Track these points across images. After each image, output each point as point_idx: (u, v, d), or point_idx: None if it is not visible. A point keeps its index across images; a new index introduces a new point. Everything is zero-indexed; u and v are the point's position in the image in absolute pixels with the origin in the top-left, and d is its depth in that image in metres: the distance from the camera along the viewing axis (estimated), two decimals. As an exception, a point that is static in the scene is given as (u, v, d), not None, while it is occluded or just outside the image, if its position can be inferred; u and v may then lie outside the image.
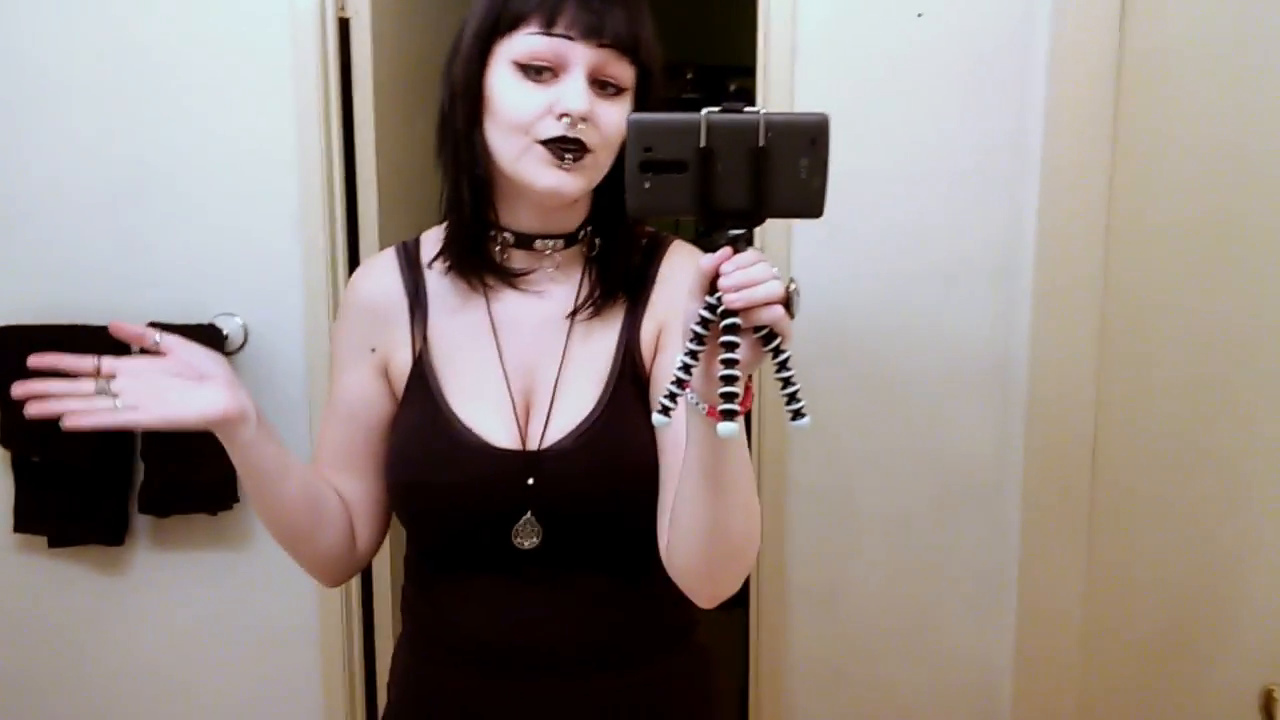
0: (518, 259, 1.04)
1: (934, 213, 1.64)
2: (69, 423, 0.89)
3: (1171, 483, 1.34)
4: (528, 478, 0.98)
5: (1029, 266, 1.63)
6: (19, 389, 0.89)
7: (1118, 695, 1.53)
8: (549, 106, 0.93)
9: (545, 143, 0.94)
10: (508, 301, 1.04)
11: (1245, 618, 1.14)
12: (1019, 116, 1.61)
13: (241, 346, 1.71)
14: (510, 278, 1.03)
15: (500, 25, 0.95)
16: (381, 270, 1.08)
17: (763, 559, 1.74)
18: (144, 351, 0.97)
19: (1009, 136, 1.62)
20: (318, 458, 1.12)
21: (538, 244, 1.03)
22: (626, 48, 0.95)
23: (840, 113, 1.61)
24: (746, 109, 0.72)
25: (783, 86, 1.63)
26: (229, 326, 1.70)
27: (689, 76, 3.03)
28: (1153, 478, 1.41)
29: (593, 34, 0.93)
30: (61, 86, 1.67)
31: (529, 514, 0.99)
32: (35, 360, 0.91)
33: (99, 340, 1.65)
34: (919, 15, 1.61)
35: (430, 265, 1.06)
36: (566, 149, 0.93)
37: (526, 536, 0.99)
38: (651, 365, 1.02)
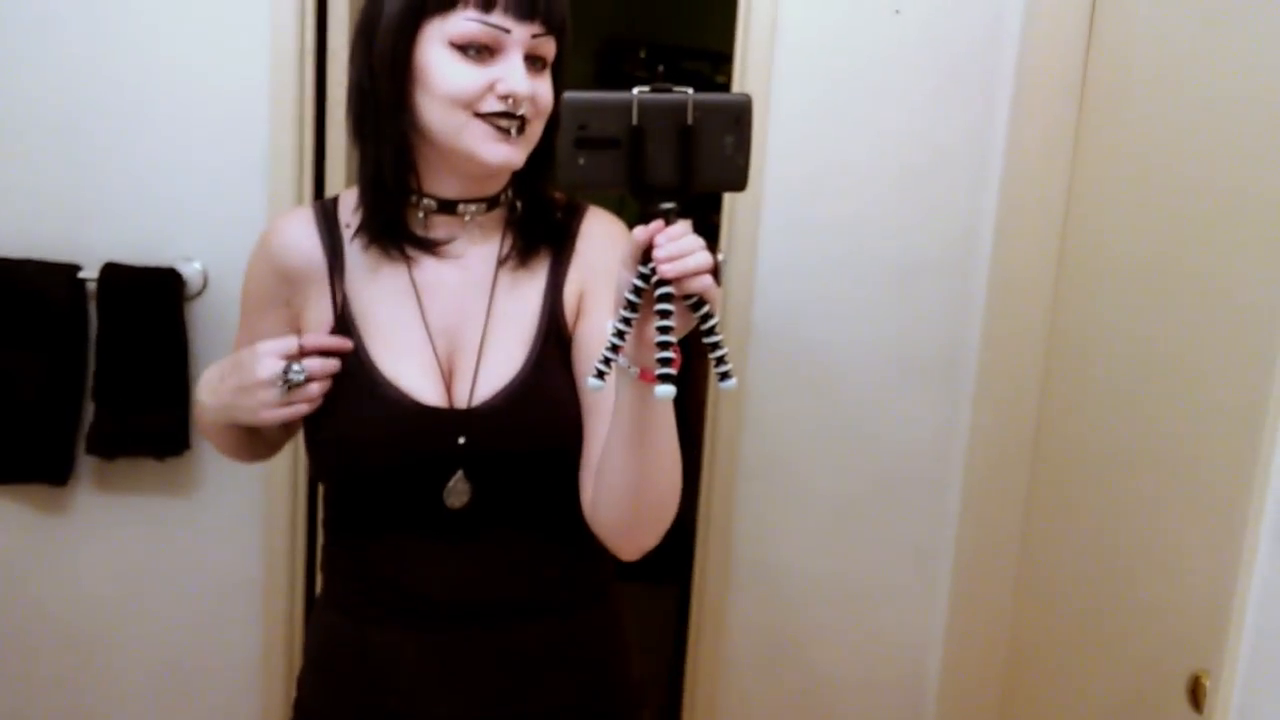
0: (439, 224, 1.05)
1: (896, 206, 1.67)
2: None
3: (1107, 477, 1.38)
4: (458, 436, 1.00)
5: (984, 263, 1.67)
6: None
7: (1044, 678, 1.58)
8: (490, 85, 0.96)
9: (486, 116, 0.96)
10: (428, 267, 1.05)
11: (1175, 606, 1.16)
12: (984, 117, 1.64)
13: (200, 292, 1.71)
14: (431, 247, 1.04)
15: (431, 3, 0.96)
16: (299, 228, 1.08)
17: (709, 536, 1.77)
18: None
19: (973, 136, 1.64)
20: None
21: (460, 208, 1.04)
22: (556, 28, 0.99)
23: (814, 103, 1.65)
24: (675, 89, 0.75)
25: (761, 73, 1.64)
26: (188, 271, 1.69)
27: (641, 56, 3.01)
28: (1090, 471, 1.45)
29: (527, 18, 0.96)
30: (28, 12, 1.64)
31: (460, 473, 1.00)
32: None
33: (47, 275, 1.66)
34: (896, 12, 1.62)
35: (348, 227, 1.07)
36: (510, 123, 0.96)
37: (457, 496, 1.01)
38: (574, 327, 1.04)
